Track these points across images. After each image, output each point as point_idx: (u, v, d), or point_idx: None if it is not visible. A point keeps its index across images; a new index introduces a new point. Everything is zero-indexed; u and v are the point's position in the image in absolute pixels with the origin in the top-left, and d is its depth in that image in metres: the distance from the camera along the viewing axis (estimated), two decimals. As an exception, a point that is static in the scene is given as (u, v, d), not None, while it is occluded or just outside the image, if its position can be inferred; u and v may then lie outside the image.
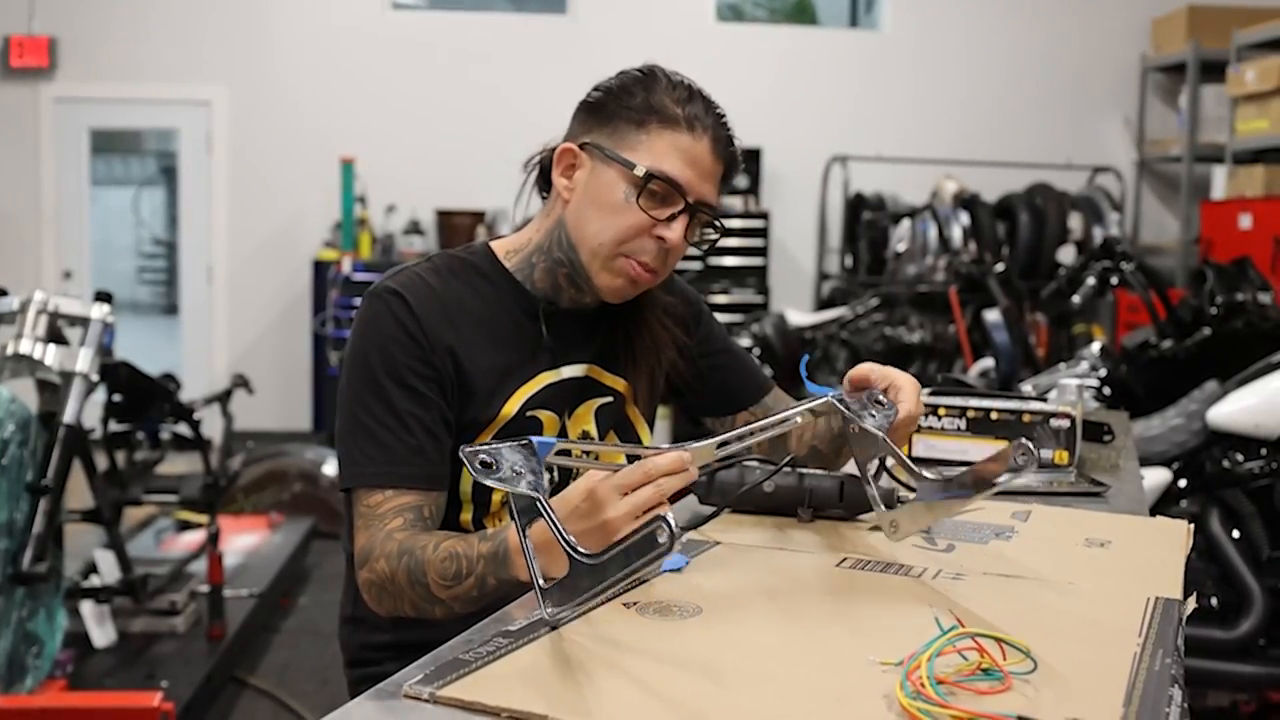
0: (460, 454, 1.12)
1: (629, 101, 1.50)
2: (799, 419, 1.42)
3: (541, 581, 1.09)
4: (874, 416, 1.38)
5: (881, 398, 1.42)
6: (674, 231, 1.50)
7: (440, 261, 1.58)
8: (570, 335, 1.60)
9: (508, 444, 1.15)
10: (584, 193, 1.52)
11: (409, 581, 1.36)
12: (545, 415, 1.56)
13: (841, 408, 1.38)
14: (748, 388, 1.80)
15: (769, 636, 1.08)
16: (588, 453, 1.49)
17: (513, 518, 1.13)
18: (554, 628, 1.07)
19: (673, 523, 0.99)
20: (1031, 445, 1.15)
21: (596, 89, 1.56)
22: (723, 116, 1.54)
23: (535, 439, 1.16)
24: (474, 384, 1.51)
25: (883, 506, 1.35)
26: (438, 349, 1.48)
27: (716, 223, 1.56)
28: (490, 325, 1.55)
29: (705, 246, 1.59)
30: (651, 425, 1.70)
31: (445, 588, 1.33)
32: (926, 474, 1.28)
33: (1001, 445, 1.88)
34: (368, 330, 1.49)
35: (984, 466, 1.20)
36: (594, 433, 1.62)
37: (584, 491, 1.23)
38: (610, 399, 1.64)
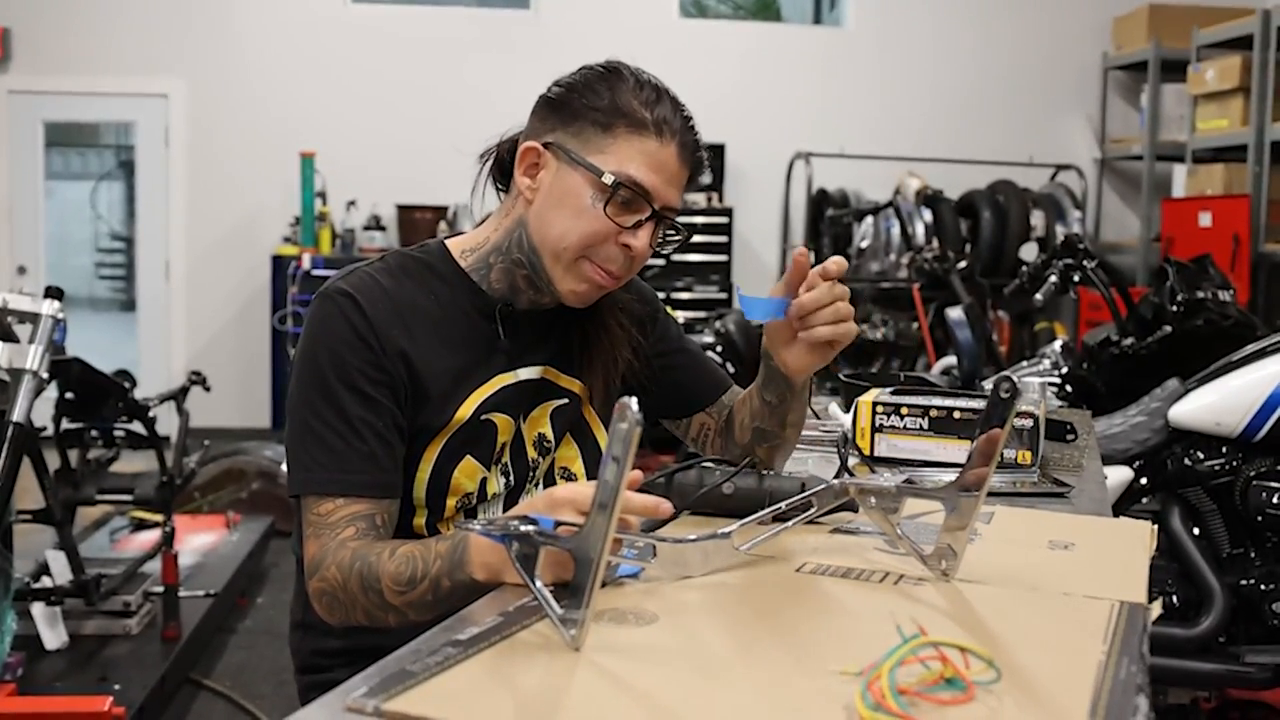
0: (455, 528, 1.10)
1: (594, 101, 1.46)
2: (814, 501, 1.37)
3: (558, 610, 1.03)
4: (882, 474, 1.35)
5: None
6: (640, 240, 1.47)
7: (394, 261, 1.53)
8: (526, 336, 1.57)
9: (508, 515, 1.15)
10: (548, 194, 1.48)
11: (362, 588, 1.32)
12: (500, 418, 1.52)
13: (851, 486, 1.33)
14: (704, 388, 1.77)
15: (727, 644, 1.05)
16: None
17: (517, 568, 1.09)
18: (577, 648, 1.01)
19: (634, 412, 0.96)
20: (1015, 380, 1.14)
21: (558, 84, 1.51)
22: (690, 119, 1.50)
23: (540, 518, 1.12)
24: (428, 387, 1.47)
25: (926, 553, 1.27)
26: (390, 352, 1.44)
27: (680, 228, 1.53)
28: (445, 327, 1.51)
29: (668, 250, 1.56)
30: (608, 427, 1.67)
31: (399, 593, 1.29)
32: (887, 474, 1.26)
33: (964, 445, 1.88)
34: (318, 332, 1.44)
35: (970, 473, 1.19)
36: (550, 435, 1.59)
37: (545, 496, 1.20)
38: (566, 400, 1.61)
